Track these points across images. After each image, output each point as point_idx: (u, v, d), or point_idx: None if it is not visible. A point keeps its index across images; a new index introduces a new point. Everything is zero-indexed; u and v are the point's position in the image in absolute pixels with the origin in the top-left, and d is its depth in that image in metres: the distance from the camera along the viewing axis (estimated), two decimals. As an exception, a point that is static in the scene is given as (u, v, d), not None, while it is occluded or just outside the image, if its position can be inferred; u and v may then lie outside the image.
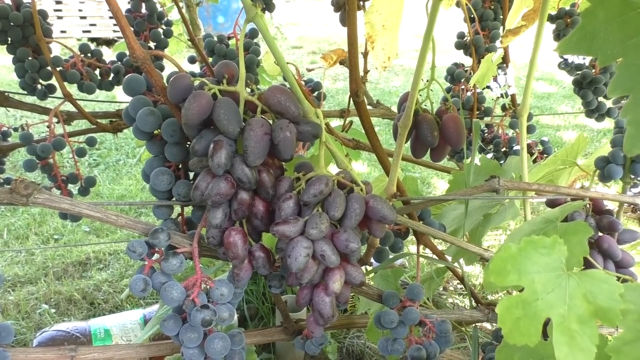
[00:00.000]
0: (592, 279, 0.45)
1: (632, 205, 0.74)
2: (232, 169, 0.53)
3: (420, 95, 0.65)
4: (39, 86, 1.05)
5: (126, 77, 0.61)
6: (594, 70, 1.14)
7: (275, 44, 0.53)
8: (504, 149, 1.28)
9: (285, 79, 1.08)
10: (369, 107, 1.23)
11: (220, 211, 0.54)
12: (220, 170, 0.52)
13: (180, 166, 0.62)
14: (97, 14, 5.72)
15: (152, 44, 1.15)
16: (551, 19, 1.18)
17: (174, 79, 0.53)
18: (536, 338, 0.44)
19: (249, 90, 0.55)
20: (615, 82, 0.40)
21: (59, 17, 5.64)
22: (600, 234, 0.75)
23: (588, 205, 0.76)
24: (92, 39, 5.56)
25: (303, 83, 1.20)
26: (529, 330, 0.44)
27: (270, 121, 0.54)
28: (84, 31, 5.68)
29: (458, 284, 1.67)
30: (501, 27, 1.20)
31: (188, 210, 0.66)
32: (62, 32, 5.58)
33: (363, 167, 2.73)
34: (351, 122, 0.83)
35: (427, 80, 0.64)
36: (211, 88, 0.53)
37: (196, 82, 0.55)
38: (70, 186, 1.02)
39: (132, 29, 1.11)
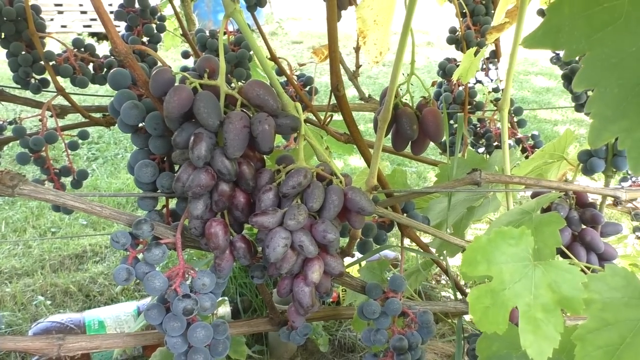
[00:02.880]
0: (556, 269, 0.46)
1: (614, 198, 0.75)
2: (213, 161, 0.54)
3: (401, 89, 0.66)
4: (32, 80, 1.06)
5: (111, 71, 0.62)
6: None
7: (253, 37, 0.54)
8: (495, 144, 1.29)
9: (278, 73, 1.10)
10: (360, 102, 1.24)
11: (201, 202, 0.55)
12: (201, 162, 0.53)
13: (165, 159, 0.64)
14: (97, 8, 5.71)
15: (145, 39, 1.16)
16: (542, 13, 1.19)
17: (156, 73, 0.54)
18: (504, 326, 0.46)
19: (231, 85, 0.56)
20: (580, 76, 0.41)
21: (60, 12, 5.65)
22: (583, 226, 0.76)
23: (572, 199, 0.77)
24: (92, 34, 5.57)
25: (295, 78, 1.20)
26: (497, 319, 0.46)
27: (250, 114, 0.55)
28: (84, 26, 5.69)
29: (451, 277, 1.68)
30: (492, 22, 1.21)
31: (173, 202, 0.67)
32: (63, 27, 5.59)
33: (360, 161, 2.74)
34: (332, 116, 0.83)
35: (407, 74, 0.65)
36: (192, 82, 0.54)
37: (179, 76, 0.56)
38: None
39: (125, 23, 1.14)
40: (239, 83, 0.57)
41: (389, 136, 0.70)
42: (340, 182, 0.57)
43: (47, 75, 1.05)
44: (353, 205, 0.55)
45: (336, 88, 0.61)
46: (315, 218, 0.56)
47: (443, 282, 1.66)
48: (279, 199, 0.56)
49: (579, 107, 1.20)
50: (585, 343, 0.45)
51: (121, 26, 1.14)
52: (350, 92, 2.70)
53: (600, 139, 0.40)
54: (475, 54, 0.82)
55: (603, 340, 0.45)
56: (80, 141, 1.08)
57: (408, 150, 0.76)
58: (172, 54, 3.96)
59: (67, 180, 1.04)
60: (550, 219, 0.56)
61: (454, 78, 0.88)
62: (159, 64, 0.61)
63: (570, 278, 0.45)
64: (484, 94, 1.33)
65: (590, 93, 1.11)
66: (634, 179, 1.33)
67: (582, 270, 0.56)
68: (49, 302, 1.59)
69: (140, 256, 0.59)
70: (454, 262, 1.69)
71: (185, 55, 1.30)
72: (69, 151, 1.03)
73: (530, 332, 0.45)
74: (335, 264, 0.58)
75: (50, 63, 1.03)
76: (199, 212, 0.55)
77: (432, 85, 1.28)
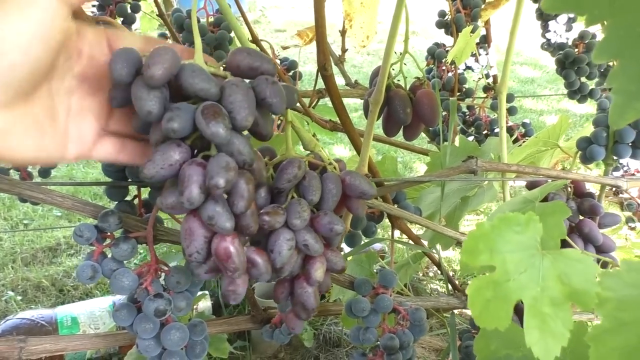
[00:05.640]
0: (567, 259, 0.41)
1: (613, 188, 0.72)
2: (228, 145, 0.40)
3: (393, 69, 0.61)
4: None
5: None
6: (576, 50, 1.11)
7: (231, 13, 0.48)
8: (485, 131, 1.25)
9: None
10: (346, 88, 1.19)
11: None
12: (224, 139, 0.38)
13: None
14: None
15: (119, 20, 1.09)
16: (536, -1, 1.15)
17: (119, 51, 0.45)
18: (506, 322, 0.41)
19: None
20: (602, 46, 0.36)
21: None
22: (581, 217, 0.73)
23: (569, 188, 0.74)
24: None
25: (278, 62, 1.15)
26: (499, 314, 0.41)
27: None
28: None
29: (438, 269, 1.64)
30: (482, 6, 1.16)
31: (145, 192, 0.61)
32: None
33: (345, 151, 2.69)
34: (318, 99, 0.78)
35: (400, 54, 0.60)
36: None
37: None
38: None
39: (97, 2, 1.07)
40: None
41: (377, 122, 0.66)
42: (335, 168, 0.52)
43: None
44: (353, 190, 0.50)
45: (323, 67, 0.56)
46: (313, 211, 0.51)
47: (431, 274, 1.62)
48: (270, 195, 0.50)
49: (572, 94, 1.17)
50: (599, 344, 0.41)
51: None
52: (336, 81, 2.64)
53: (624, 117, 0.35)
54: (472, 32, 0.77)
55: (619, 342, 0.41)
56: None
57: (394, 137, 0.71)
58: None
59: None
60: (554, 208, 0.52)
61: (448, 59, 0.83)
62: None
63: (582, 269, 0.40)
64: (473, 80, 1.29)
65: (584, 79, 1.07)
66: (626, 168, 1.30)
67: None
68: (19, 298, 1.52)
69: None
70: (446, 254, 1.66)
71: (162, 37, 1.23)
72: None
73: (537, 328, 0.40)
74: (337, 259, 0.52)
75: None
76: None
77: (427, 65, 1.23)
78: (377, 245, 1.48)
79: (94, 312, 1.22)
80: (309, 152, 0.53)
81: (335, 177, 0.49)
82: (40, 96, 0.36)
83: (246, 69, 0.42)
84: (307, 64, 3.56)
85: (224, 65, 0.47)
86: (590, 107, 2.69)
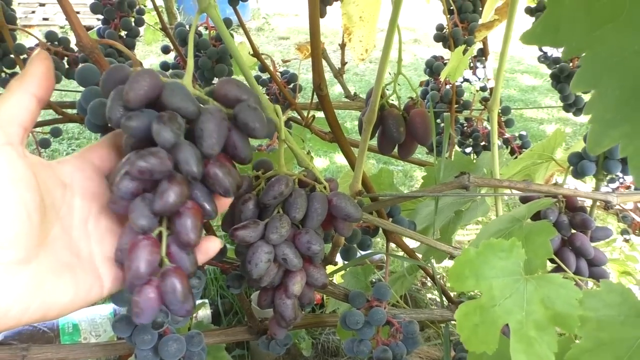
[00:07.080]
0: (550, 283, 0.43)
1: (605, 203, 0.73)
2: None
3: (388, 90, 0.63)
4: (2, 75, 1.02)
5: (79, 67, 0.58)
6: (571, 64, 1.12)
7: (227, 33, 0.50)
8: (483, 143, 1.27)
9: (262, 70, 1.06)
10: (346, 100, 1.21)
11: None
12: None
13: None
14: (80, 1, 5.61)
15: (123, 33, 1.11)
16: (530, 11, 1.17)
17: (111, 69, 0.44)
18: (494, 345, 0.43)
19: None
20: (579, 76, 0.37)
21: (42, 4, 5.54)
22: (573, 231, 0.74)
23: (562, 202, 0.75)
24: (74, 27, 5.45)
25: (279, 74, 1.17)
26: (487, 338, 0.43)
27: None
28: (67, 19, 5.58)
29: (437, 278, 1.65)
30: (480, 20, 1.18)
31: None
32: (45, 19, 5.48)
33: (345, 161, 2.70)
34: (314, 116, 0.80)
35: (394, 73, 0.62)
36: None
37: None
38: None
39: (100, 16, 1.09)
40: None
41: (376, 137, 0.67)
42: (325, 187, 0.53)
43: (18, 70, 1.01)
44: (339, 212, 0.52)
45: (319, 87, 0.58)
46: (298, 227, 0.52)
47: (429, 284, 1.64)
48: (259, 208, 0.52)
49: (567, 107, 1.19)
50: (578, 364, 0.42)
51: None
52: (337, 89, 2.66)
53: (601, 145, 0.37)
54: (464, 52, 0.79)
55: (597, 362, 0.42)
56: (54, 138, 1.04)
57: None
58: (156, 48, 3.89)
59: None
60: (541, 228, 0.53)
61: (442, 77, 0.85)
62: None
63: (564, 293, 0.42)
64: (471, 92, 1.31)
65: (578, 93, 1.08)
66: (621, 180, 1.31)
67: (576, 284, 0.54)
68: (23, 304, 1.53)
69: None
70: (443, 264, 1.67)
71: (166, 50, 1.26)
72: (38, 149, 0.99)
73: (523, 352, 0.42)
74: (319, 275, 0.54)
75: (22, 57, 0.98)
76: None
77: (420, 85, 1.25)
78: (376, 256, 1.49)
79: (95, 320, 1.24)
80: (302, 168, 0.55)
81: (322, 197, 0.51)
82: (55, 238, 0.36)
83: (233, 99, 0.42)
84: (309, 73, 3.58)
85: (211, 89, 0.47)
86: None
